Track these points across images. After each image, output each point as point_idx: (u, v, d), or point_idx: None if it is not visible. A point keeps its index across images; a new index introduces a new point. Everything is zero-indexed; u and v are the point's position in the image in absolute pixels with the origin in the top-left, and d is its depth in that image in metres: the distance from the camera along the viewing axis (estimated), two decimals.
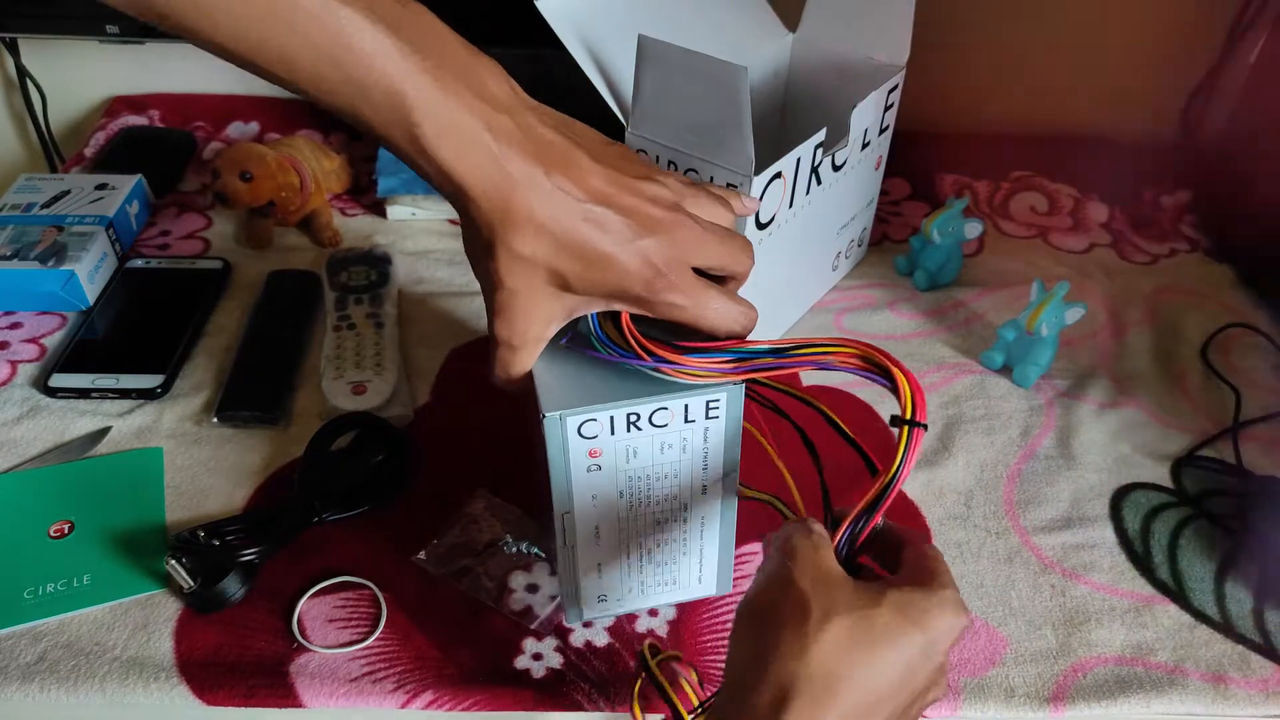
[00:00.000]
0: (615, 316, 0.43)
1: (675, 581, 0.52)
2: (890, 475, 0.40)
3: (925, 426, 0.40)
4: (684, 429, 0.44)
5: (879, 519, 0.41)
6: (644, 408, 0.42)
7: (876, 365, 0.41)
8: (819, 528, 0.40)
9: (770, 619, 0.37)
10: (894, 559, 0.41)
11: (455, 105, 0.38)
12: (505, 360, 0.43)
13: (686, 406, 0.43)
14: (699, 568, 0.51)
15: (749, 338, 0.43)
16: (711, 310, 0.43)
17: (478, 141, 0.38)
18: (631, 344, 0.42)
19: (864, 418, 0.67)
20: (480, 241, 0.40)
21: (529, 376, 0.44)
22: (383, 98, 0.37)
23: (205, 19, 0.35)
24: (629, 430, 0.43)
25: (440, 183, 0.39)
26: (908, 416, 0.40)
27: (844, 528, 0.40)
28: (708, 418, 0.44)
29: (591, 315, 0.43)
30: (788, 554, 0.38)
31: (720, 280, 0.44)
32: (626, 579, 0.50)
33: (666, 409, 0.43)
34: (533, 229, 0.39)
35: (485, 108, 0.38)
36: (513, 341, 0.42)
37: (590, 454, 0.43)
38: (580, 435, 0.42)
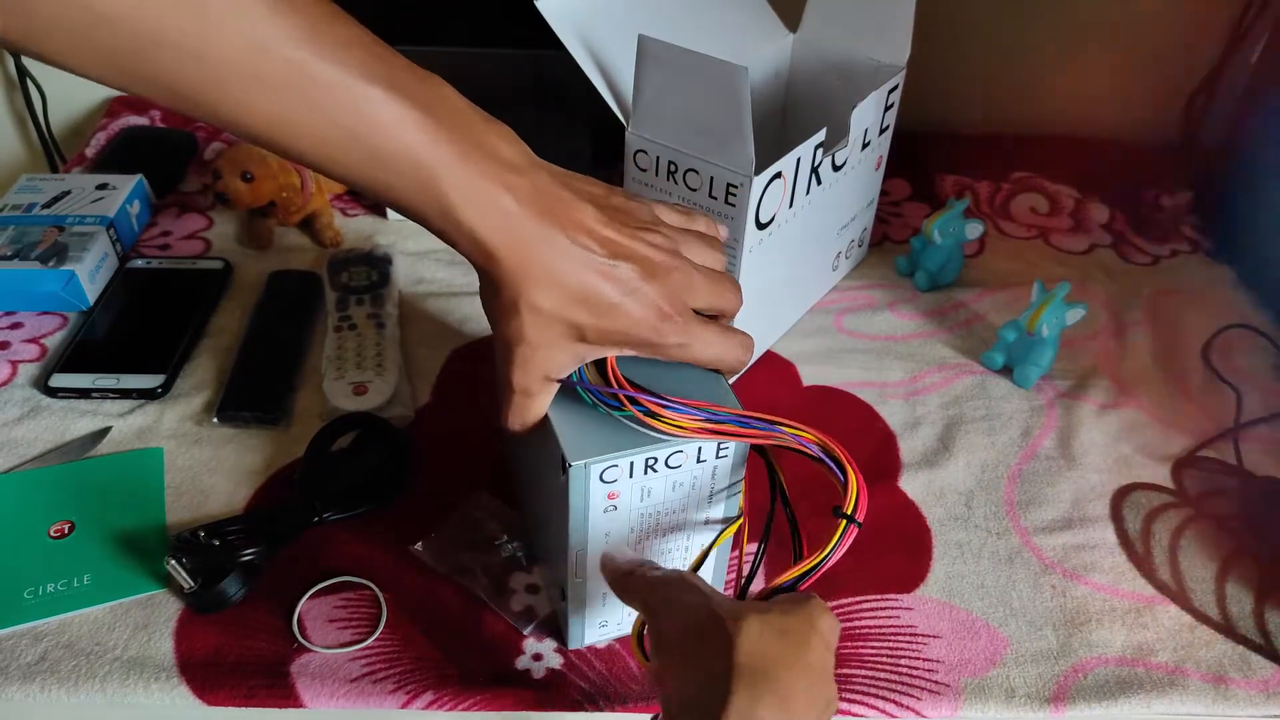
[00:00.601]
0: (599, 362, 0.45)
1: None
2: (815, 562, 0.43)
3: (861, 525, 0.43)
4: (695, 468, 0.45)
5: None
6: (662, 452, 0.44)
7: (832, 457, 0.44)
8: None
9: (690, 637, 0.39)
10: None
11: (476, 172, 0.40)
12: (522, 407, 0.44)
13: (700, 449, 0.45)
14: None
15: (722, 403, 0.44)
16: (713, 348, 0.46)
17: (499, 205, 0.40)
18: (618, 393, 0.43)
19: (864, 417, 0.67)
20: (502, 300, 0.42)
21: (542, 421, 0.45)
22: (409, 169, 0.39)
23: (226, 99, 0.36)
24: (646, 473, 0.44)
25: (468, 246, 0.41)
26: (848, 511, 0.43)
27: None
28: (717, 457, 0.46)
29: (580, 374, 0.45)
30: (666, 602, 0.42)
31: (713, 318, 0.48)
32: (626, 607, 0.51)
33: (682, 451, 0.44)
34: (551, 283, 0.41)
35: (503, 172, 0.40)
36: (530, 389, 0.44)
37: (609, 496, 0.45)
38: (601, 480, 0.44)
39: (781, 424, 0.44)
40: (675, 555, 0.50)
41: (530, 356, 0.43)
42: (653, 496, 0.46)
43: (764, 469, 0.47)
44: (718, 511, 0.49)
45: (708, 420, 0.43)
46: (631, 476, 0.44)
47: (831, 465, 0.44)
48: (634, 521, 0.47)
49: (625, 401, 0.43)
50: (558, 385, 0.45)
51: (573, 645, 0.53)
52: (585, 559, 0.47)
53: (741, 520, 0.49)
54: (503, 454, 0.63)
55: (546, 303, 0.42)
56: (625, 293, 0.43)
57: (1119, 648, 0.54)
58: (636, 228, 0.44)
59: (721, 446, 0.45)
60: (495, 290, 0.42)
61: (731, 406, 0.44)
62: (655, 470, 0.45)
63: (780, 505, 0.47)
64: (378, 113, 0.38)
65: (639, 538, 0.48)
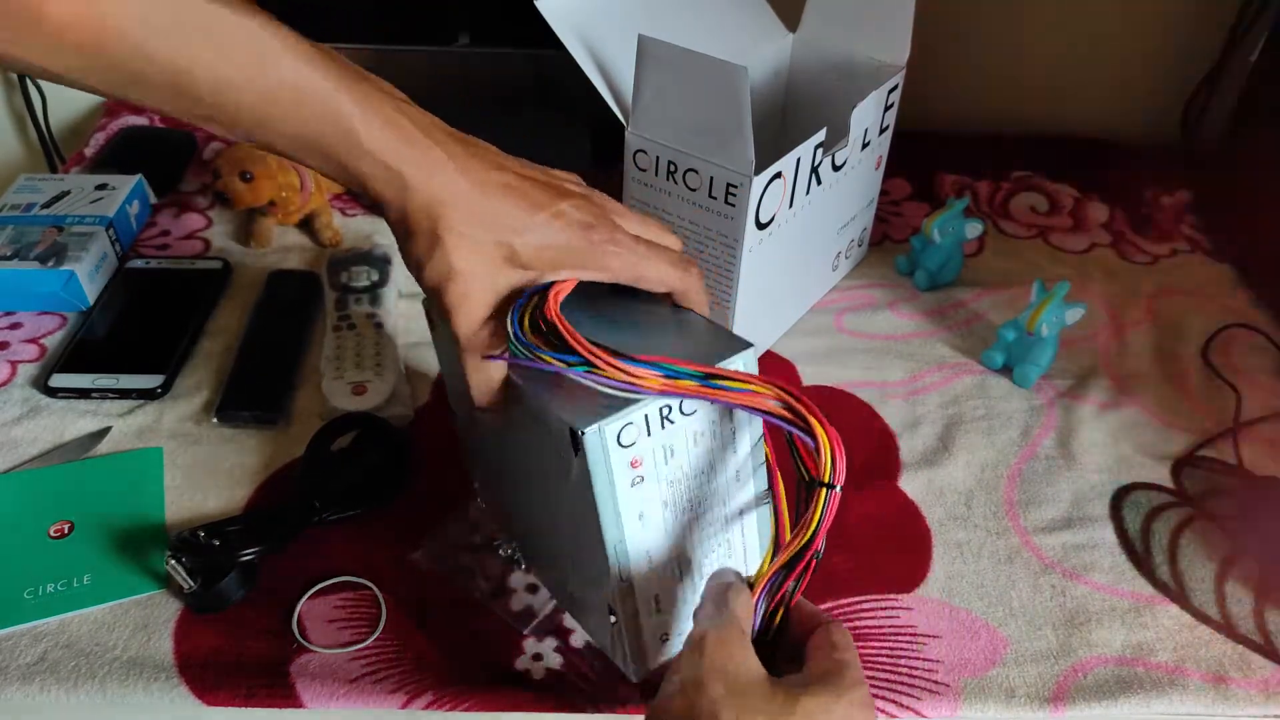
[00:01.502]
0: (535, 324, 0.41)
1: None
2: (805, 539, 0.40)
3: (839, 489, 0.39)
4: (711, 413, 0.41)
5: (799, 595, 0.42)
6: (676, 398, 0.39)
7: (797, 415, 0.39)
8: (734, 609, 0.40)
9: None
10: (803, 637, 0.42)
11: (380, 101, 0.41)
12: (479, 368, 0.43)
13: None
14: (745, 569, 0.47)
15: (680, 357, 0.40)
16: (656, 260, 0.44)
17: (402, 127, 0.41)
18: (567, 338, 0.39)
19: (864, 417, 0.67)
20: (420, 236, 0.41)
21: (512, 397, 0.43)
22: (311, 100, 0.40)
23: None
24: (663, 426, 0.40)
25: (378, 178, 0.41)
26: (825, 479, 0.39)
27: (758, 594, 0.41)
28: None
29: (512, 315, 0.41)
30: (698, 649, 0.38)
31: None
32: (684, 608, 0.46)
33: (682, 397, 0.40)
34: (470, 204, 0.41)
35: (404, 104, 0.42)
36: (473, 337, 0.42)
37: (632, 464, 0.40)
38: (620, 445, 0.39)
39: (737, 378, 0.39)
40: (715, 527, 0.45)
41: (465, 292, 0.41)
42: (676, 456, 0.41)
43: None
44: (744, 460, 0.44)
45: (666, 376, 0.39)
46: (650, 435, 0.40)
47: (794, 429, 0.39)
48: (664, 493, 0.42)
49: (584, 349, 0.39)
50: (503, 335, 0.42)
51: (638, 675, 0.47)
52: (627, 552, 0.42)
53: (772, 497, 0.45)
54: (468, 463, 0.59)
55: (467, 225, 0.41)
56: (546, 205, 0.42)
57: (1119, 647, 0.54)
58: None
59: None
60: (410, 229, 0.41)
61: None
62: (673, 421, 0.40)
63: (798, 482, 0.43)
64: (278, 51, 0.39)
65: (675, 514, 0.43)
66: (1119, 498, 0.62)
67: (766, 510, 0.46)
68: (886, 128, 0.73)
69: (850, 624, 0.55)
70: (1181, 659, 0.54)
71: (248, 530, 0.56)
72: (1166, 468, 0.64)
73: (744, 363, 0.41)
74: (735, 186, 0.59)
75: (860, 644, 0.54)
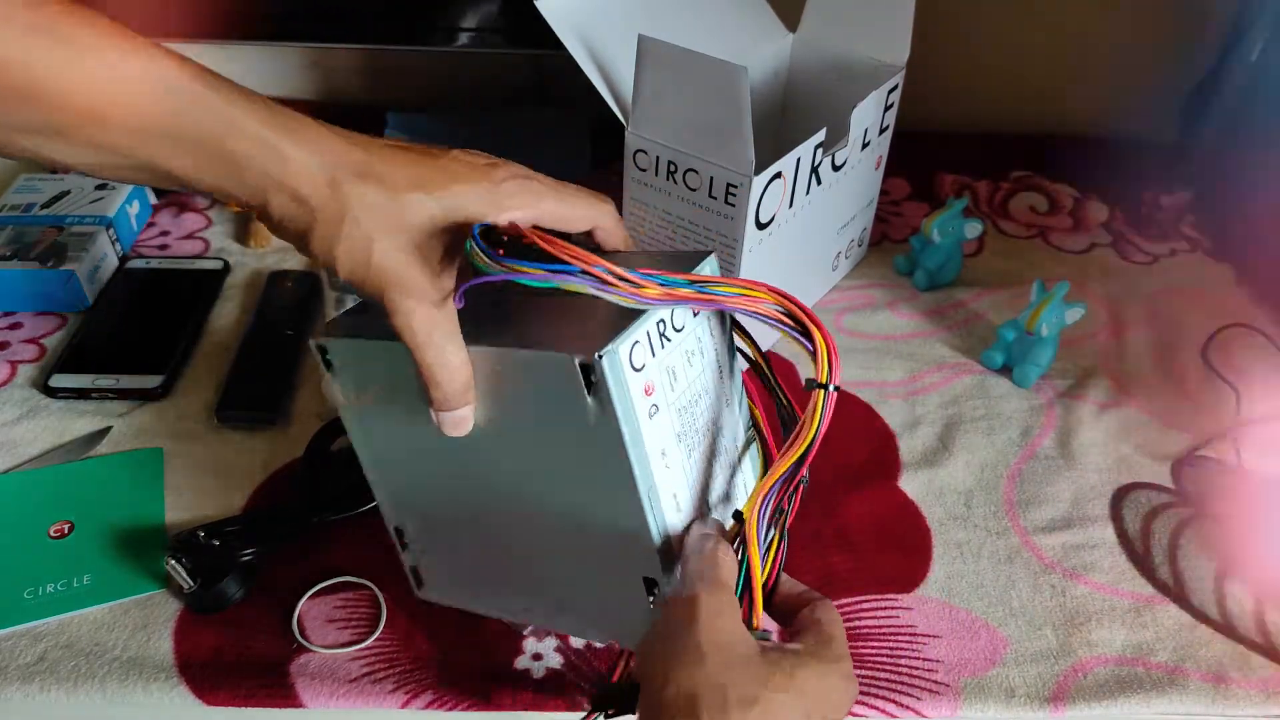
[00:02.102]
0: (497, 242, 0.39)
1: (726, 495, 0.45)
2: (809, 440, 0.39)
3: (838, 389, 0.39)
4: (695, 326, 0.39)
5: (793, 518, 0.41)
6: (666, 311, 0.37)
7: (795, 320, 0.38)
8: (722, 572, 0.38)
9: (692, 710, 0.35)
10: (790, 612, 0.42)
11: (245, 93, 0.38)
12: (433, 343, 0.39)
13: None
14: (742, 485, 0.45)
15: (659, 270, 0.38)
16: (574, 197, 0.42)
17: (262, 105, 0.38)
18: (553, 250, 0.36)
19: (864, 417, 0.67)
20: (323, 216, 0.38)
21: (481, 374, 0.40)
22: (188, 95, 0.37)
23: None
24: (663, 344, 0.38)
25: (253, 156, 0.38)
26: (823, 380, 0.38)
27: (754, 511, 0.39)
28: (694, 314, 0.40)
29: (472, 236, 0.39)
30: (690, 615, 0.37)
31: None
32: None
33: (672, 310, 0.38)
34: (360, 166, 0.39)
35: (266, 100, 0.39)
36: (423, 296, 0.39)
37: (646, 391, 0.37)
38: (634, 369, 0.36)
39: (729, 283, 0.38)
40: (724, 459, 0.43)
41: (387, 248, 0.38)
42: (679, 379, 0.39)
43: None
44: (729, 381, 0.42)
45: (662, 285, 0.37)
46: (654, 355, 0.37)
47: (792, 331, 0.38)
48: (676, 424, 0.39)
49: (576, 257, 0.36)
50: (448, 291, 0.40)
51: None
52: (659, 503, 0.38)
53: (754, 439, 0.43)
54: (408, 554, 0.53)
55: (366, 190, 0.38)
56: (439, 154, 0.40)
57: (1119, 647, 0.54)
58: None
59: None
60: (308, 206, 0.38)
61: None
62: (669, 339, 0.38)
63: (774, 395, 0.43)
64: (151, 58, 0.37)
65: (689, 449, 0.40)
66: (1119, 497, 0.62)
67: (755, 445, 0.44)
68: (886, 128, 0.73)
69: (850, 624, 0.55)
70: (1181, 659, 0.54)
71: (247, 530, 0.56)
72: (1166, 467, 0.64)
73: (711, 268, 0.41)
74: (735, 186, 0.59)
75: (860, 644, 0.54)
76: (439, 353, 0.39)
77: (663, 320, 0.37)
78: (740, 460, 0.44)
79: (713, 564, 0.39)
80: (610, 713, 0.41)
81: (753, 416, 0.44)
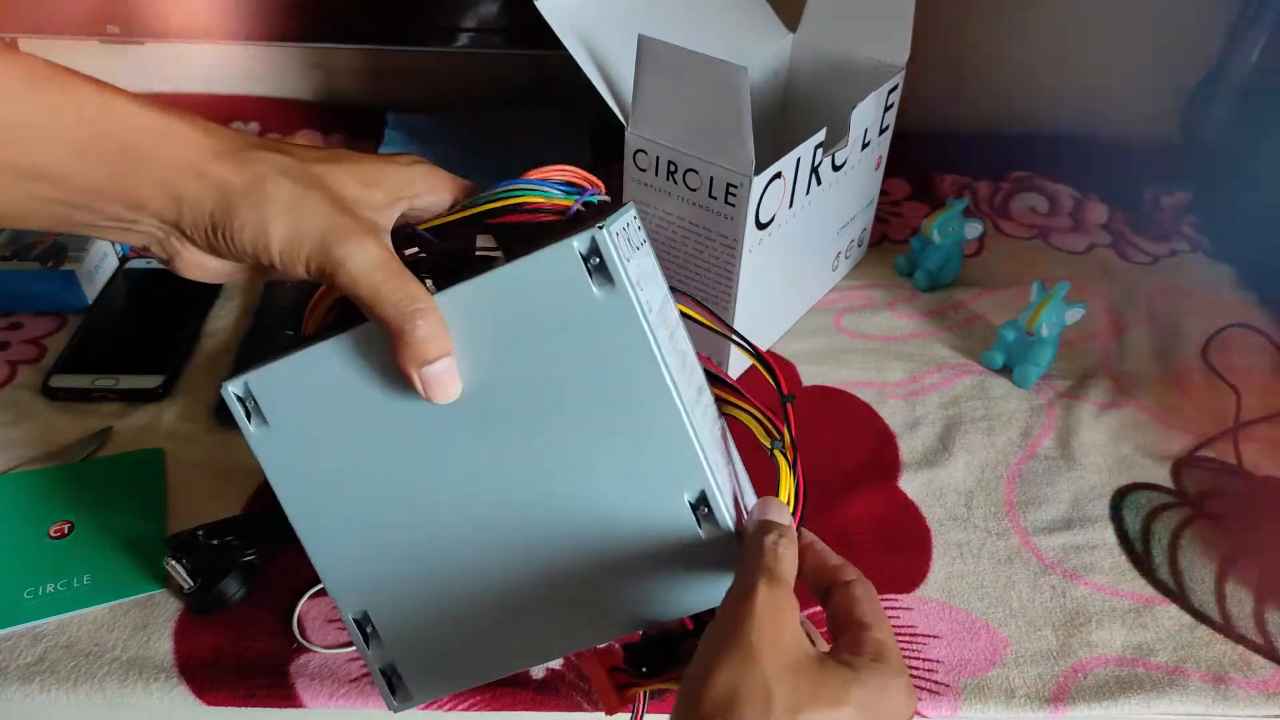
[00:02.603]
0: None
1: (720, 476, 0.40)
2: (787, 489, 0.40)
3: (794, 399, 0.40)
4: (647, 252, 0.38)
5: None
6: (624, 219, 0.36)
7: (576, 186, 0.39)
8: (784, 567, 0.36)
9: (731, 709, 0.32)
10: (822, 585, 0.39)
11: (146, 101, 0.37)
12: (422, 322, 0.36)
13: (635, 215, 0.38)
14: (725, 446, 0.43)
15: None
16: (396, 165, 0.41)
17: (155, 109, 0.37)
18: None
19: (864, 417, 0.67)
20: (248, 200, 0.36)
21: (455, 317, 0.37)
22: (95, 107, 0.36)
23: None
24: (629, 254, 0.36)
25: (170, 157, 0.36)
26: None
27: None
28: (644, 242, 0.39)
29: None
30: (747, 608, 0.34)
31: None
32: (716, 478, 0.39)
33: (632, 215, 0.37)
34: (236, 138, 0.38)
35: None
36: (358, 251, 0.36)
37: (639, 285, 0.35)
38: (624, 257, 0.35)
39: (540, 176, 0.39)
40: (705, 389, 0.40)
41: (316, 201, 0.37)
42: (646, 290, 0.36)
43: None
44: (685, 342, 0.40)
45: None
46: (633, 252, 0.36)
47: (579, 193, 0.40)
48: (662, 336, 0.36)
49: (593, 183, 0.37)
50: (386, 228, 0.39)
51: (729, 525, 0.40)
52: (684, 406, 0.36)
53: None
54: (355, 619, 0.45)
55: (268, 149, 0.37)
56: (310, 149, 0.40)
57: (1119, 648, 0.54)
58: None
59: (638, 222, 0.38)
60: (210, 184, 0.36)
61: None
62: (635, 248, 0.37)
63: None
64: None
65: (681, 365, 0.38)
66: (1119, 498, 0.62)
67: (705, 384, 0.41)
68: (886, 128, 0.73)
69: None
70: (1181, 659, 0.54)
71: (248, 530, 0.56)
72: (1166, 468, 0.64)
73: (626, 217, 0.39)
74: (735, 186, 0.59)
75: None
76: (402, 289, 0.36)
77: (626, 227, 0.35)
78: (705, 390, 0.41)
79: (775, 559, 0.36)
80: (645, 671, 0.39)
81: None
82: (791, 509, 0.40)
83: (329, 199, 0.37)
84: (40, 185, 0.35)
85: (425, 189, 0.41)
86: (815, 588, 0.40)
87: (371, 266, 0.36)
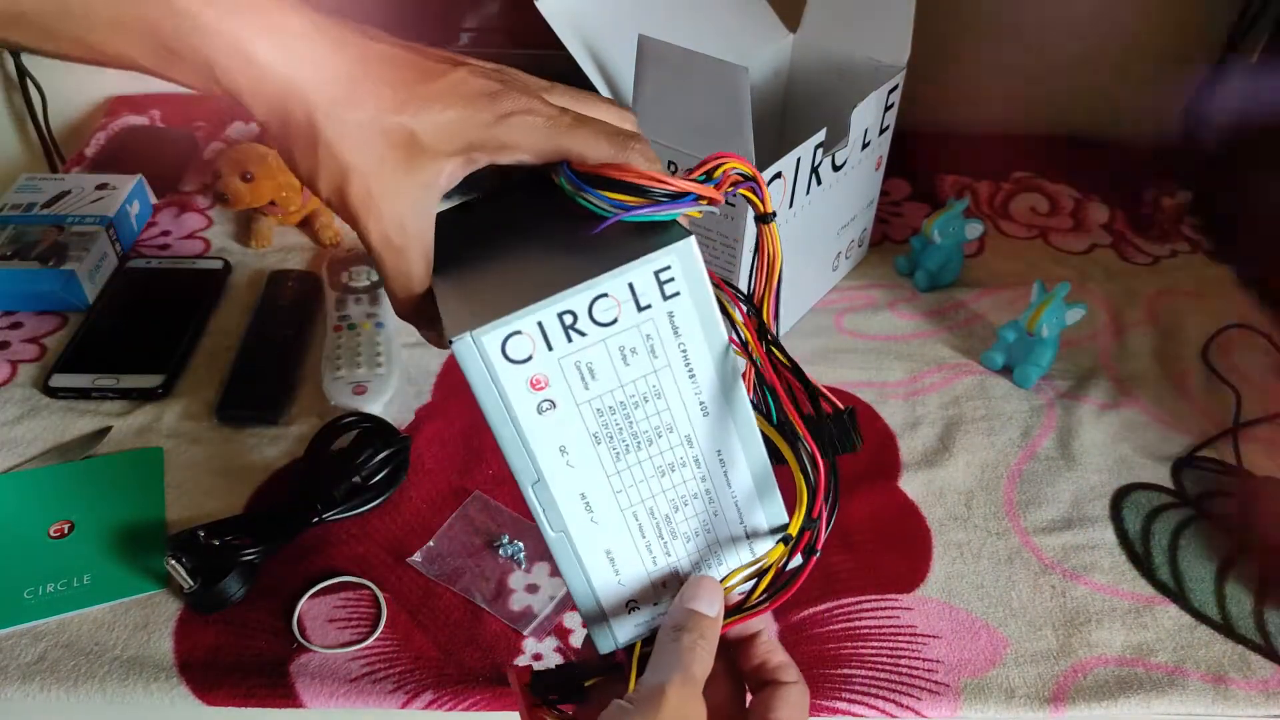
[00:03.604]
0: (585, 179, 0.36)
1: (717, 554, 0.39)
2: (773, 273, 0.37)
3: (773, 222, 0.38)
4: (642, 323, 0.34)
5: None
6: (577, 300, 0.33)
7: (747, 176, 0.37)
8: (694, 667, 0.35)
9: None
10: (756, 680, 0.38)
11: None
12: (394, 268, 0.36)
13: (632, 286, 0.33)
14: (741, 527, 0.39)
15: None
16: (577, 134, 0.36)
17: (260, 10, 0.34)
18: (626, 178, 0.34)
19: (865, 417, 0.67)
20: (298, 135, 0.34)
21: (434, 306, 0.37)
22: None
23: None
24: (570, 338, 0.33)
25: (223, 65, 0.33)
26: (770, 210, 0.37)
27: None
28: (665, 298, 0.34)
29: (568, 174, 0.36)
30: (655, 707, 0.33)
31: None
32: (652, 567, 0.38)
33: (607, 295, 0.33)
34: (344, 79, 0.34)
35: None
36: (390, 238, 0.36)
37: (534, 385, 0.34)
38: (508, 359, 0.33)
39: (715, 162, 0.36)
40: (685, 471, 0.37)
41: (364, 188, 0.35)
42: (599, 379, 0.34)
43: None
44: (710, 385, 0.36)
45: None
46: (551, 348, 0.33)
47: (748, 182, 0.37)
48: (591, 423, 0.35)
49: (670, 184, 0.34)
50: (427, 233, 0.37)
51: (604, 647, 0.39)
52: (550, 495, 0.36)
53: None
54: None
55: (347, 109, 0.34)
56: (439, 73, 0.35)
57: (1119, 648, 0.54)
58: None
59: (662, 275, 0.34)
60: (285, 127, 0.34)
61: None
62: (583, 333, 0.34)
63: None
64: None
65: (613, 450, 0.36)
66: (1119, 498, 0.62)
67: (756, 442, 0.38)
68: (886, 128, 0.73)
69: (850, 624, 0.55)
70: (1181, 659, 0.54)
71: (248, 530, 0.56)
72: (1166, 468, 0.64)
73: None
74: None
75: (860, 644, 0.54)
76: (391, 261, 0.37)
77: (570, 313, 0.33)
78: (732, 466, 0.38)
79: (691, 658, 0.35)
80: (552, 699, 0.39)
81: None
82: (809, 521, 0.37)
83: (375, 179, 0.35)
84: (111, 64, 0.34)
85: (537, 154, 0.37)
86: (752, 682, 0.39)
87: (389, 259, 0.37)
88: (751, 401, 0.37)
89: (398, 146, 0.35)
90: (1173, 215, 0.87)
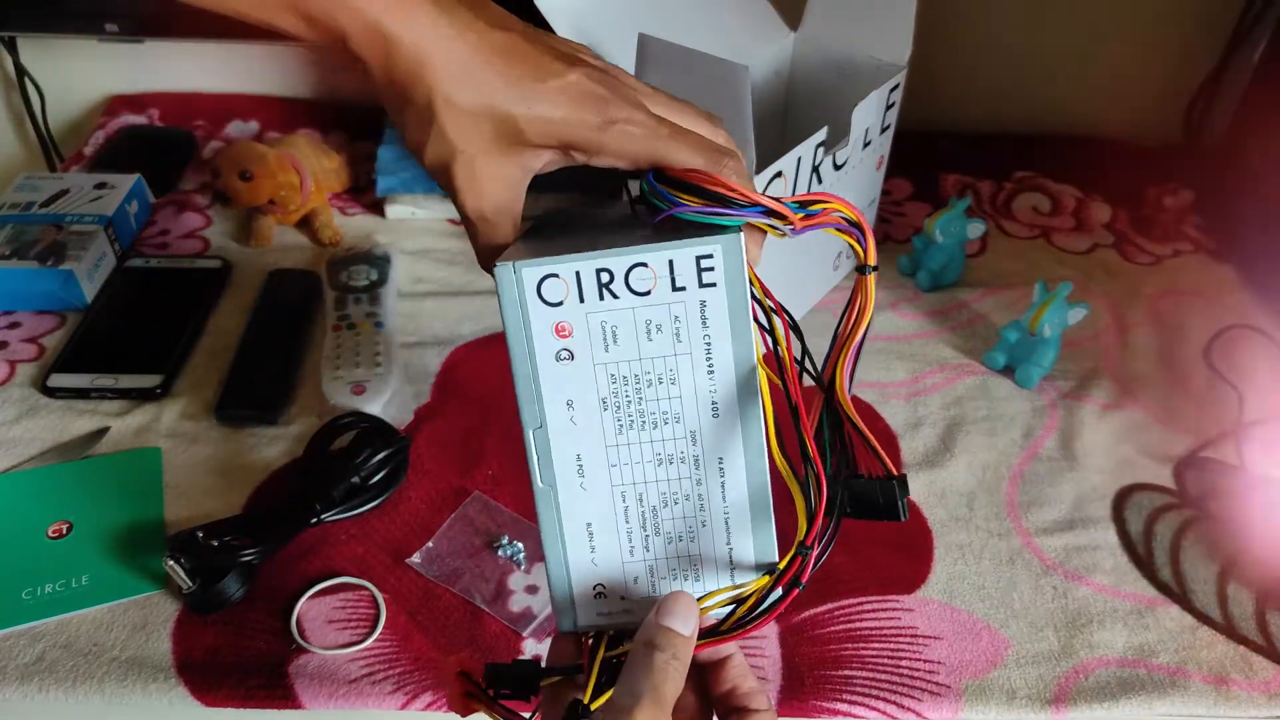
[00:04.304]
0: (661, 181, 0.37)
1: (696, 568, 0.39)
2: (852, 323, 0.40)
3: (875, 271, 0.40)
4: (673, 302, 0.35)
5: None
6: (616, 262, 0.34)
7: (852, 222, 0.38)
8: (665, 689, 0.35)
9: None
10: (726, 708, 0.39)
11: None
12: (486, 237, 0.39)
13: (671, 263, 0.35)
14: (727, 548, 0.38)
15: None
16: (676, 145, 0.38)
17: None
18: (707, 185, 0.36)
19: (866, 418, 0.67)
20: (414, 107, 0.37)
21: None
22: None
23: None
24: (601, 296, 0.35)
25: (360, 36, 0.36)
26: (873, 262, 0.39)
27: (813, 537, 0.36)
28: (701, 285, 0.35)
29: (649, 178, 0.38)
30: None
31: None
32: (628, 557, 0.38)
33: (646, 265, 0.34)
34: (467, 68, 0.36)
35: None
36: (485, 212, 0.39)
37: (558, 331, 0.35)
38: (542, 299, 0.35)
39: (819, 200, 0.37)
40: (681, 467, 0.37)
41: (468, 171, 0.37)
42: (620, 344, 0.36)
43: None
44: (727, 389, 0.36)
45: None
46: (583, 300, 0.35)
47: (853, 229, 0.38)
48: (603, 386, 0.36)
49: (747, 195, 0.35)
50: (516, 211, 0.39)
51: (564, 627, 0.39)
52: (548, 444, 0.36)
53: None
54: None
55: (463, 93, 0.36)
56: (554, 72, 0.37)
57: (1120, 649, 0.54)
58: None
59: (704, 262, 0.35)
60: (399, 98, 0.37)
61: None
62: (615, 294, 0.35)
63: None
64: None
65: (617, 421, 0.36)
66: (1121, 499, 0.62)
67: (760, 465, 0.37)
68: (888, 127, 0.73)
69: (851, 625, 0.55)
70: (1183, 660, 0.53)
71: (247, 530, 0.56)
72: (1169, 469, 0.64)
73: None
74: None
75: (861, 645, 0.54)
76: (483, 230, 0.39)
77: (608, 271, 0.35)
78: (728, 476, 0.37)
79: (663, 678, 0.35)
80: (498, 694, 0.39)
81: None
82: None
83: (482, 164, 0.38)
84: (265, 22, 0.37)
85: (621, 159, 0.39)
86: (721, 707, 0.39)
87: (486, 234, 0.40)
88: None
89: (504, 137, 0.37)
90: (1175, 215, 0.87)
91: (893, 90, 0.70)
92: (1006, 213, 0.88)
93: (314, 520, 0.57)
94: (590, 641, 0.39)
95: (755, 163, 0.57)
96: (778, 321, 0.38)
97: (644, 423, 0.37)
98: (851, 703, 0.51)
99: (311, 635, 0.53)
